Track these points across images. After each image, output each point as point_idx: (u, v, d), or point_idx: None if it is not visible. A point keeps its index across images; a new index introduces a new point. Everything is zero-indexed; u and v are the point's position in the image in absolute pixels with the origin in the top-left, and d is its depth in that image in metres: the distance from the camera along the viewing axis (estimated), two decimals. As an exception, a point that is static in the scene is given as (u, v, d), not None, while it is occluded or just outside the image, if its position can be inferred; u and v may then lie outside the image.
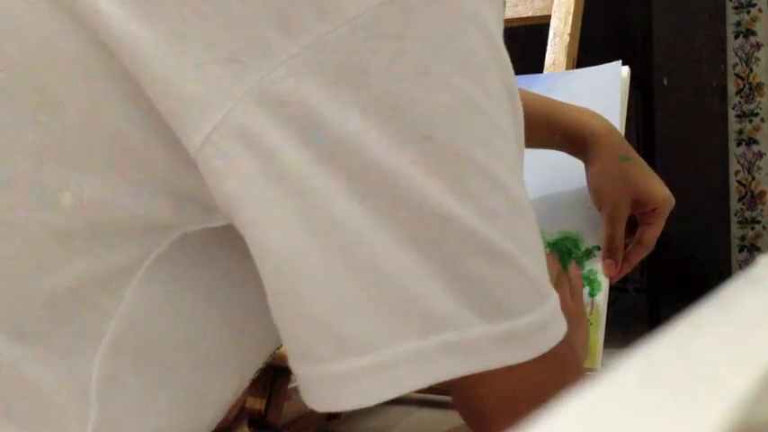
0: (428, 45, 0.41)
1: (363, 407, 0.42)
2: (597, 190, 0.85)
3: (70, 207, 0.43)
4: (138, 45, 0.40)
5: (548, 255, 0.82)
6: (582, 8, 1.07)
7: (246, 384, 0.56)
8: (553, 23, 1.06)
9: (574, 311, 0.75)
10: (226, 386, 0.53)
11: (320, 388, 0.42)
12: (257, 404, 0.88)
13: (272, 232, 0.41)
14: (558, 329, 0.46)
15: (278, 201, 0.40)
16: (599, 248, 0.87)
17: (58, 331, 0.45)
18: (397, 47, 0.40)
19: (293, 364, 0.44)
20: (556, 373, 0.46)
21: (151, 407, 0.48)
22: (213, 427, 0.54)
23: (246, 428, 0.88)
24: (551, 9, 1.07)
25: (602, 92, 0.94)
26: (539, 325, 0.44)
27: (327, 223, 0.40)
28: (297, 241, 0.41)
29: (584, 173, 0.87)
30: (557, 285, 0.77)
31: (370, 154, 0.40)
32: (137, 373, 0.47)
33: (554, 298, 0.46)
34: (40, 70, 0.42)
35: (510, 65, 0.46)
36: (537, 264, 0.45)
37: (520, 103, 0.47)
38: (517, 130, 0.47)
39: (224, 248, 0.46)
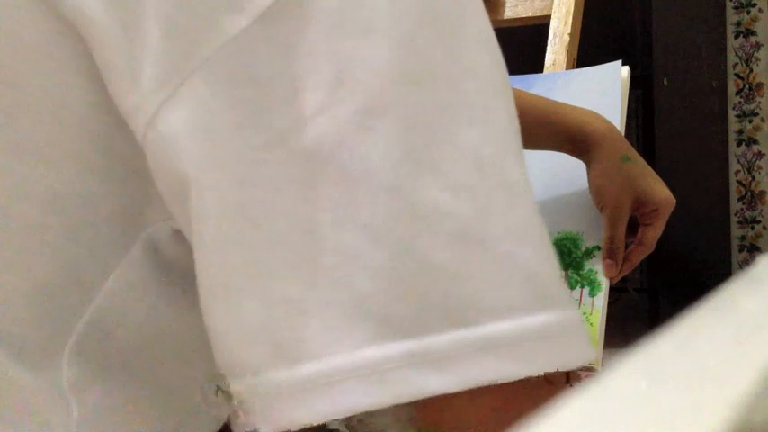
0: (388, 13, 0.37)
1: (299, 427, 0.35)
2: (598, 190, 0.85)
3: (45, 200, 0.42)
4: (96, 28, 0.39)
5: None
6: (582, 8, 1.07)
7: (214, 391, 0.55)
8: (553, 23, 1.06)
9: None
10: (194, 387, 0.52)
11: (250, 404, 0.37)
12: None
13: (210, 220, 0.37)
14: (576, 349, 0.37)
15: (220, 188, 0.37)
16: (599, 248, 0.87)
17: (34, 330, 0.45)
18: (342, 5, 0.37)
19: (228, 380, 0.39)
20: (539, 398, 0.36)
21: (123, 405, 0.47)
22: (212, 423, 0.54)
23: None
24: (551, 9, 1.07)
25: (603, 92, 0.94)
26: (539, 332, 0.36)
27: (270, 214, 0.36)
28: (229, 231, 0.37)
29: (585, 173, 0.87)
30: None
31: (318, 127, 0.36)
32: (101, 373, 0.46)
33: (571, 309, 0.38)
34: (9, 61, 0.42)
35: (488, 25, 0.41)
36: (536, 255, 0.37)
37: (504, 69, 0.41)
38: (505, 98, 0.40)
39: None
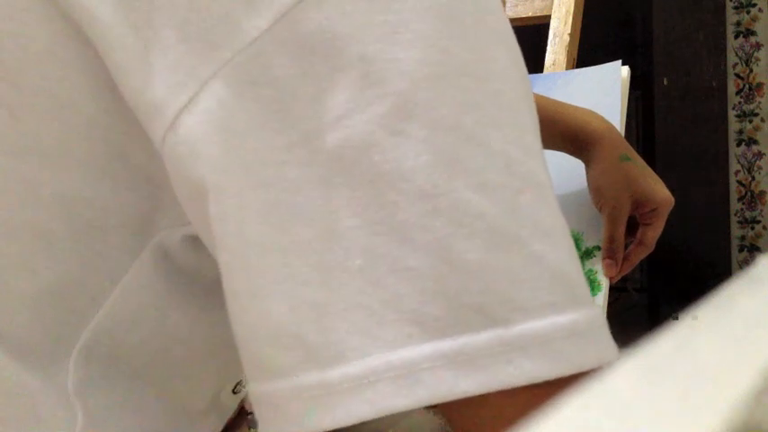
0: (402, 3, 0.37)
1: (335, 428, 0.35)
2: (597, 190, 0.85)
3: (51, 204, 0.42)
4: (107, 31, 0.38)
5: None
6: (582, 8, 1.07)
7: (233, 389, 0.55)
8: (553, 23, 1.06)
9: None
10: (202, 393, 0.52)
11: (281, 407, 0.36)
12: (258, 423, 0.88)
13: (233, 225, 0.36)
14: (605, 346, 0.37)
15: (243, 192, 0.36)
16: (599, 248, 0.87)
17: (40, 334, 0.45)
18: (368, 6, 0.36)
19: (249, 384, 0.38)
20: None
21: (129, 411, 0.47)
22: (210, 429, 0.54)
23: (246, 428, 0.88)
24: (551, 9, 1.07)
25: (603, 92, 0.94)
26: (570, 330, 0.35)
27: (294, 216, 0.35)
28: (258, 235, 0.36)
29: (585, 173, 0.87)
30: None
31: (344, 130, 0.35)
32: (108, 378, 0.46)
33: (595, 308, 0.37)
34: (13, 64, 0.41)
35: (510, 26, 0.41)
36: (564, 255, 0.37)
37: (525, 70, 0.41)
38: (527, 99, 0.40)
39: (210, 262, 0.44)
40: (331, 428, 0.35)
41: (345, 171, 0.35)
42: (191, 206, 0.40)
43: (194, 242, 0.44)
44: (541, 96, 0.88)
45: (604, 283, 0.87)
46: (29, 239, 0.43)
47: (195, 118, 0.37)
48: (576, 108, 0.86)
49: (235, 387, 0.54)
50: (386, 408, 0.34)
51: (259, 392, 0.37)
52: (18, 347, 0.44)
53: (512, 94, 0.38)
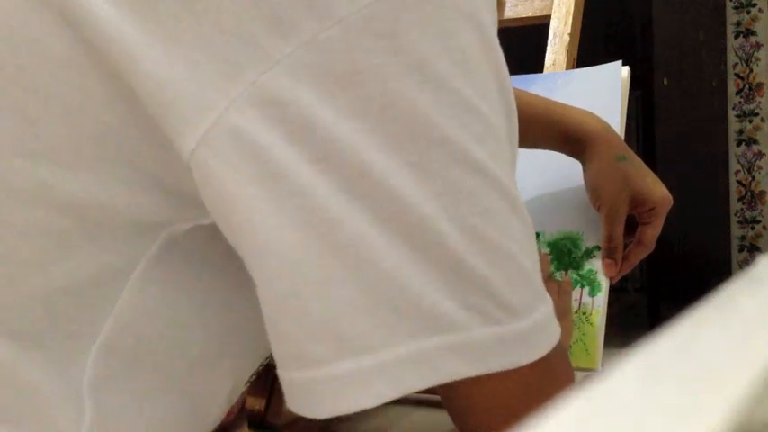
0: (421, 44, 0.40)
1: (363, 409, 0.41)
2: (595, 190, 0.85)
3: (63, 205, 0.43)
4: (131, 44, 0.39)
5: (540, 253, 0.83)
6: (582, 8, 1.07)
7: (243, 386, 0.56)
8: (553, 23, 1.06)
9: (560, 309, 0.75)
10: (220, 388, 0.52)
11: (317, 392, 0.41)
12: (257, 404, 0.88)
13: (269, 233, 0.40)
14: (555, 332, 0.46)
15: (274, 201, 0.40)
16: (599, 248, 0.87)
17: (52, 331, 0.45)
18: (390, 46, 0.40)
19: (283, 370, 0.43)
20: (549, 378, 0.45)
21: (145, 408, 0.47)
22: (212, 427, 0.54)
23: (246, 428, 0.88)
24: (551, 9, 1.07)
25: (603, 92, 0.94)
26: (539, 327, 0.44)
27: (324, 223, 0.40)
28: (294, 241, 0.40)
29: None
30: (546, 282, 0.77)
31: (363, 155, 0.40)
32: (130, 373, 0.47)
33: (549, 300, 0.46)
34: (30, 69, 0.42)
35: (504, 63, 0.45)
36: (534, 264, 0.45)
37: (514, 103, 0.47)
38: (510, 129, 0.46)
39: (217, 250, 0.46)
40: (357, 410, 0.41)
41: (367, 189, 0.40)
42: (220, 214, 0.42)
43: (200, 232, 0.45)
44: (539, 97, 0.88)
45: (604, 283, 0.87)
46: (41, 239, 0.44)
47: (225, 135, 0.39)
48: (573, 108, 0.86)
49: (246, 381, 0.55)
50: (407, 388, 0.40)
51: (295, 380, 0.42)
52: (30, 344, 0.45)
53: (502, 127, 0.44)
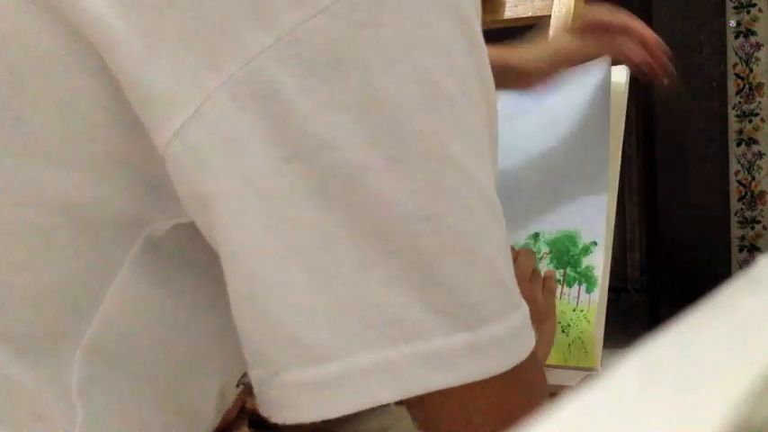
0: (403, 34, 0.39)
1: (323, 419, 0.39)
2: (559, 52, 0.93)
3: (53, 204, 0.43)
4: (114, 37, 0.39)
5: (522, 248, 0.83)
6: (582, 8, 1.07)
7: (234, 387, 0.55)
8: (553, 23, 1.06)
9: (543, 307, 0.75)
10: (209, 388, 0.52)
11: (278, 398, 0.40)
12: (257, 404, 0.88)
13: (234, 231, 0.39)
14: (529, 339, 0.44)
15: (243, 199, 0.39)
16: (596, 244, 0.87)
17: (42, 333, 0.45)
18: (372, 36, 0.39)
19: (251, 372, 0.42)
20: (523, 389, 0.43)
21: (133, 408, 0.47)
22: (210, 429, 0.54)
23: (246, 428, 0.88)
24: (551, 9, 1.07)
25: (590, 90, 0.94)
26: (513, 333, 0.42)
27: (290, 225, 0.39)
28: (257, 242, 0.39)
29: (580, 169, 0.87)
30: (531, 279, 0.77)
31: (339, 152, 0.38)
32: (115, 374, 0.46)
33: (525, 306, 0.44)
34: (18, 66, 0.42)
35: (487, 60, 0.44)
36: (508, 267, 0.43)
37: (494, 95, 0.45)
38: (490, 123, 0.44)
39: (200, 250, 0.45)
40: (317, 420, 0.39)
41: (340, 187, 0.39)
42: (194, 210, 0.41)
43: (182, 230, 0.45)
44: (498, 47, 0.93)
45: (600, 279, 0.87)
46: (30, 238, 0.43)
47: (200, 128, 0.38)
48: (520, 48, 0.94)
49: (238, 382, 0.55)
50: (370, 401, 0.39)
51: (259, 381, 0.41)
52: (20, 346, 0.44)
53: (483, 122, 0.43)
